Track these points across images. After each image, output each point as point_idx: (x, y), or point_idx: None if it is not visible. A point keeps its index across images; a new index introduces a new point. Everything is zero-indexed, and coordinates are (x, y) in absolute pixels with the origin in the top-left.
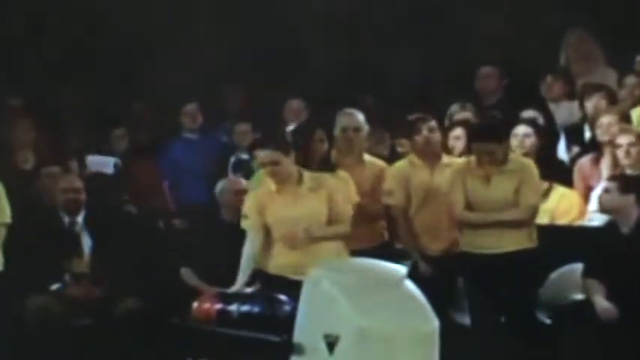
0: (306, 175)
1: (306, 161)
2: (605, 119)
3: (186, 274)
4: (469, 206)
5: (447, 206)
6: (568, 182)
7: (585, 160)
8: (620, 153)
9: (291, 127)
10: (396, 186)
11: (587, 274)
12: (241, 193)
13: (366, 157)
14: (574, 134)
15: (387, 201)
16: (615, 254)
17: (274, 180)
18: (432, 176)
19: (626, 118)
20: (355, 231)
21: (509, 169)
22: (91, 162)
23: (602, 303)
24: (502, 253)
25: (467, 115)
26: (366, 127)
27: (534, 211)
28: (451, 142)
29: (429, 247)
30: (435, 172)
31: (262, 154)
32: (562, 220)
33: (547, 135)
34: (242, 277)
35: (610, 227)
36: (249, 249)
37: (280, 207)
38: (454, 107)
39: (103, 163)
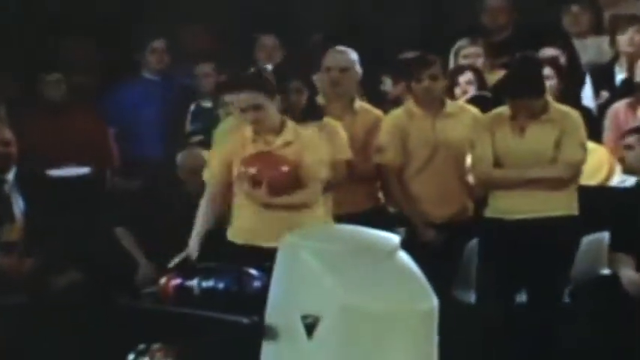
0: (289, 125)
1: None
2: None
3: (123, 235)
4: (498, 163)
5: (454, 165)
6: (595, 134)
7: (620, 106)
8: None
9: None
10: (390, 141)
11: (614, 246)
12: (200, 171)
13: (359, 104)
14: (603, 76)
15: (379, 159)
16: None
17: (255, 128)
18: (435, 128)
19: None
20: (343, 192)
21: (549, 118)
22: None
23: (629, 274)
24: (533, 219)
25: (477, 50)
26: (357, 68)
27: (577, 169)
28: (462, 88)
29: (432, 214)
30: (437, 122)
31: (241, 97)
32: (590, 181)
33: (570, 77)
34: (194, 240)
35: (637, 190)
36: (204, 207)
37: None
38: (462, 42)
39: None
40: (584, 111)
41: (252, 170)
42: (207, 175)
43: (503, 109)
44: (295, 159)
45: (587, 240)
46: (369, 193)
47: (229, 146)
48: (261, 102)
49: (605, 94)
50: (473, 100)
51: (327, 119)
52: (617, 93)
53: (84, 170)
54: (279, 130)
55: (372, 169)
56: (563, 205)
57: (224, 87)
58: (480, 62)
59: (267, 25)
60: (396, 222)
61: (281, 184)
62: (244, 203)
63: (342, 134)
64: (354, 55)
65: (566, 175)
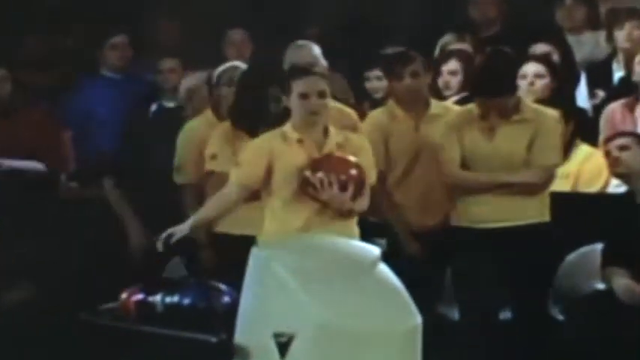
0: (332, 126)
1: (254, 126)
2: None
3: (111, 191)
4: (466, 166)
5: (439, 169)
6: (591, 137)
7: (616, 106)
8: None
9: (221, 70)
10: (371, 144)
11: (607, 259)
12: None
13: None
14: (599, 74)
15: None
16: (634, 234)
17: (310, 120)
18: (419, 130)
19: None
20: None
21: (522, 118)
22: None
23: (624, 281)
24: (505, 227)
25: (464, 47)
26: (323, 64)
27: (551, 173)
28: (445, 79)
29: (416, 223)
30: (421, 124)
31: (307, 80)
32: (589, 188)
33: (564, 75)
34: (191, 221)
35: (627, 199)
36: (221, 200)
37: (299, 161)
38: (447, 37)
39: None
40: (579, 112)
41: (321, 174)
42: (246, 178)
43: (473, 107)
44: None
45: (579, 252)
46: None
47: (269, 147)
48: (327, 90)
49: (601, 93)
50: (462, 102)
51: None
52: (615, 92)
53: (30, 165)
54: (324, 130)
55: None
56: (535, 211)
57: (291, 71)
58: None
59: (265, 22)
60: (376, 232)
61: (355, 188)
62: (292, 209)
63: None
64: (317, 50)
65: (540, 181)
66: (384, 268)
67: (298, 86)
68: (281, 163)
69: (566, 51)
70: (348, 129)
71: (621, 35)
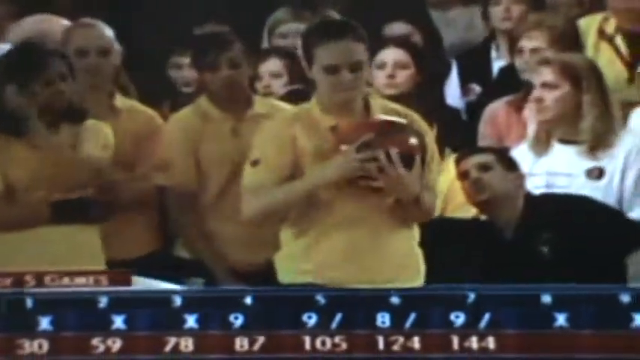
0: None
1: (13, 127)
2: (529, 42)
3: None
4: None
5: None
6: (463, 146)
7: (499, 106)
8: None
9: None
10: (178, 153)
11: None
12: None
13: (122, 100)
14: (474, 64)
15: (162, 180)
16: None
17: (343, 98)
18: (239, 134)
19: (567, 40)
20: (109, 228)
21: None
22: None
23: None
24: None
25: (300, 27)
26: (117, 48)
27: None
28: (264, 83)
29: (239, 259)
30: (242, 128)
31: (332, 48)
32: (460, 212)
33: (429, 64)
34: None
35: (488, 230)
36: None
37: None
38: (279, 14)
39: None
40: (450, 112)
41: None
42: (271, 178)
43: (312, 105)
44: None
45: None
46: (146, 229)
47: (290, 136)
48: (363, 59)
49: (477, 88)
50: (292, 96)
51: (92, 122)
52: (495, 87)
53: None
54: (365, 106)
55: (148, 193)
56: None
57: (313, 32)
58: None
59: None
60: (188, 270)
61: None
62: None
63: (110, 138)
64: (109, 31)
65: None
66: None
67: (323, 55)
68: (310, 160)
69: (430, 33)
70: (143, 132)
71: (497, 12)
